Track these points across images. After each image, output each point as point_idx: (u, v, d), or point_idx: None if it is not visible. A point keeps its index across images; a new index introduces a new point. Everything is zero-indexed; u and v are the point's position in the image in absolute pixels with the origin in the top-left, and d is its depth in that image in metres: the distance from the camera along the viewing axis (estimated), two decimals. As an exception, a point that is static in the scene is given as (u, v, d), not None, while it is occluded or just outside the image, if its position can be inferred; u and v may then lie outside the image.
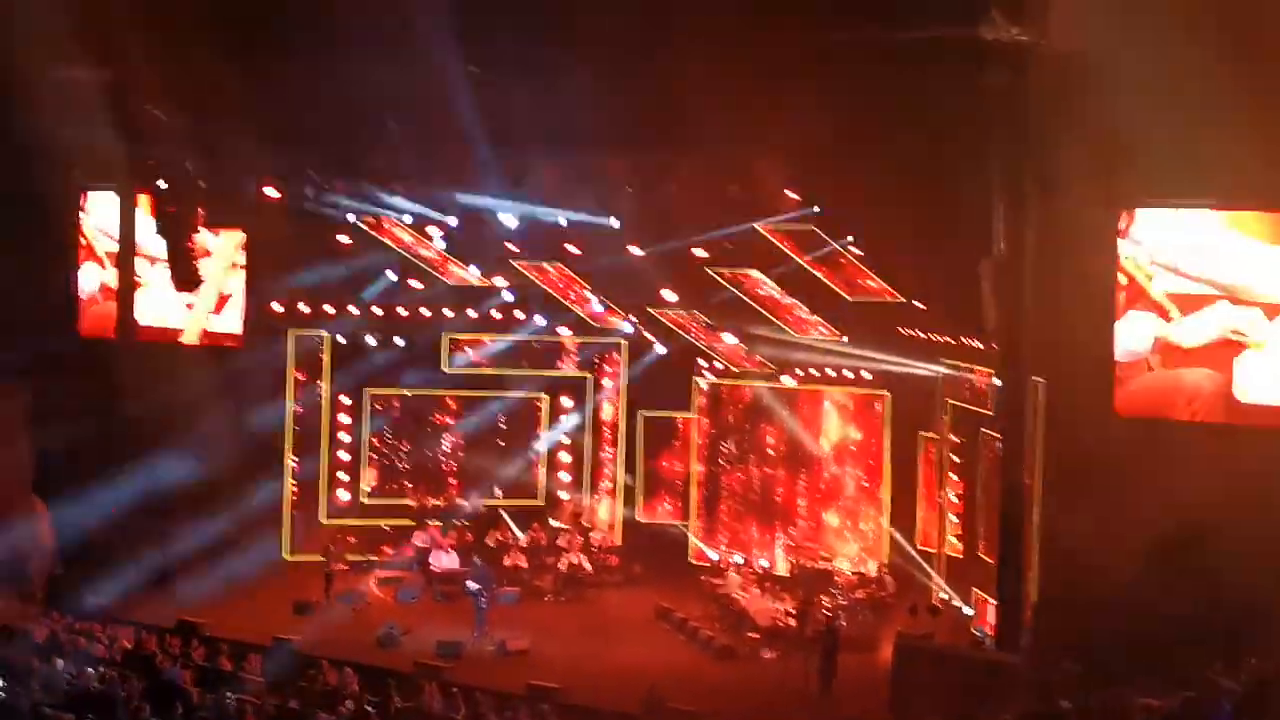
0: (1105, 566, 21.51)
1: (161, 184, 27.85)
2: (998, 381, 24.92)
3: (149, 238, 30.13)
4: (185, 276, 28.51)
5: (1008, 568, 23.53)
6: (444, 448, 33.74)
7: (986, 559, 25.76)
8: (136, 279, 31.54)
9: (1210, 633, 19.64)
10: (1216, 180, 21.45)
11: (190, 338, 31.60)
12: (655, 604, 29.70)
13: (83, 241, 32.38)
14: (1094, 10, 20.25)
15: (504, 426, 33.78)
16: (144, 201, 29.89)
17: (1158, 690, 17.14)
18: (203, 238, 29.20)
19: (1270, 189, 21.22)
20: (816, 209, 26.18)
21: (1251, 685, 15.70)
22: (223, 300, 31.08)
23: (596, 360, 33.91)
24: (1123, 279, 22.58)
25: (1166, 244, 22.34)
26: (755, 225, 27.55)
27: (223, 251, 30.86)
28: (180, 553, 30.61)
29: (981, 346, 26.24)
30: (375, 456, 33.45)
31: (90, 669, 21.92)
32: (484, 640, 26.92)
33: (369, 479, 33.33)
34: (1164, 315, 22.34)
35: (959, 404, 28.58)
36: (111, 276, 31.93)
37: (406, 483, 33.50)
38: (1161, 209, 22.41)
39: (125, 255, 31.16)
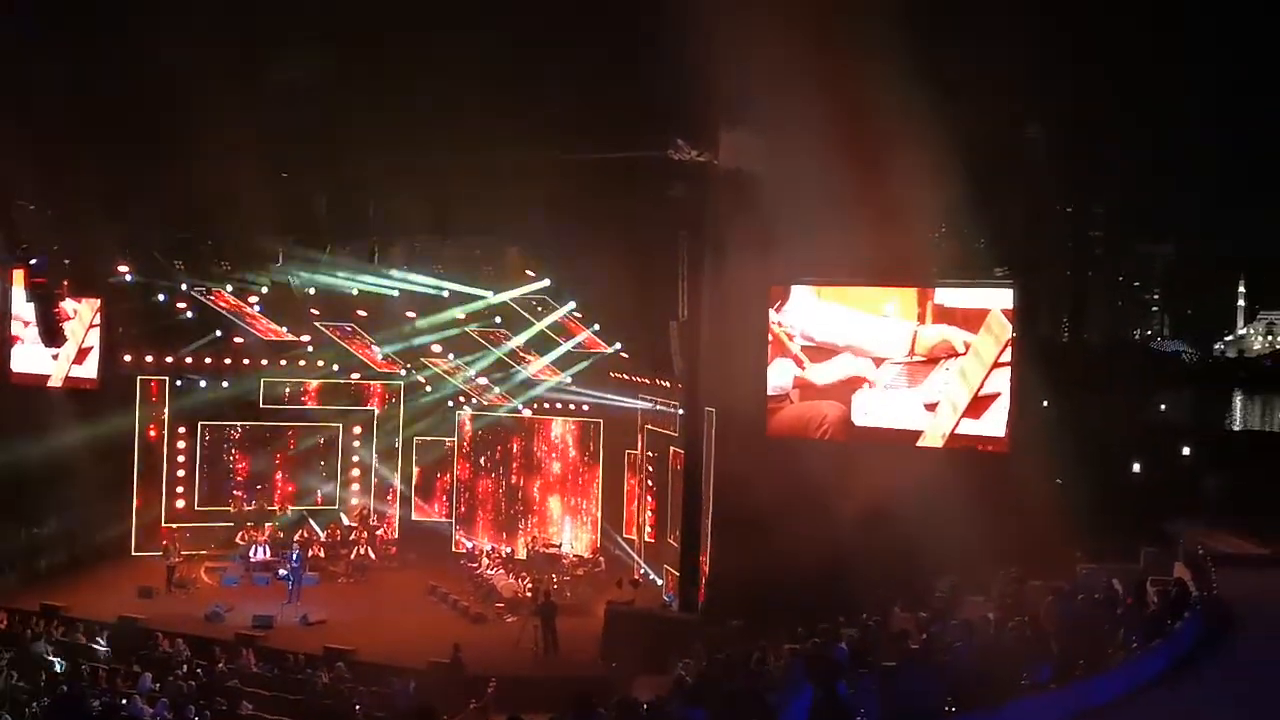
0: (760, 549, 21.81)
1: (33, 262, 26.63)
2: (681, 411, 25.22)
3: (22, 305, 28.82)
4: (52, 335, 27.12)
5: (687, 550, 23.76)
6: (259, 466, 32.33)
7: (673, 543, 25.87)
8: (13, 337, 30.07)
9: (837, 595, 20.06)
10: (837, 264, 22.22)
11: (56, 382, 29.91)
12: (426, 583, 29.00)
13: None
14: (751, 140, 20.76)
15: (310, 450, 32.56)
16: (19, 277, 28.66)
17: (798, 638, 17.43)
18: (67, 304, 27.89)
19: (872, 272, 22.04)
20: (548, 283, 26.13)
21: (862, 631, 16.06)
22: (83, 353, 29.50)
23: (387, 397, 33.06)
24: (771, 337, 23.10)
25: (802, 312, 22.94)
26: (504, 296, 27.35)
27: (83, 315, 29.34)
28: (44, 549, 29.21)
29: (670, 385, 26.45)
30: (205, 472, 31.95)
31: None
32: (291, 613, 25.92)
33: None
34: (800, 363, 22.92)
35: (654, 428, 28.72)
36: (-9, 337, 30.30)
37: (230, 492, 32.05)
38: (799, 285, 22.99)
39: (2, 319, 29.72)
